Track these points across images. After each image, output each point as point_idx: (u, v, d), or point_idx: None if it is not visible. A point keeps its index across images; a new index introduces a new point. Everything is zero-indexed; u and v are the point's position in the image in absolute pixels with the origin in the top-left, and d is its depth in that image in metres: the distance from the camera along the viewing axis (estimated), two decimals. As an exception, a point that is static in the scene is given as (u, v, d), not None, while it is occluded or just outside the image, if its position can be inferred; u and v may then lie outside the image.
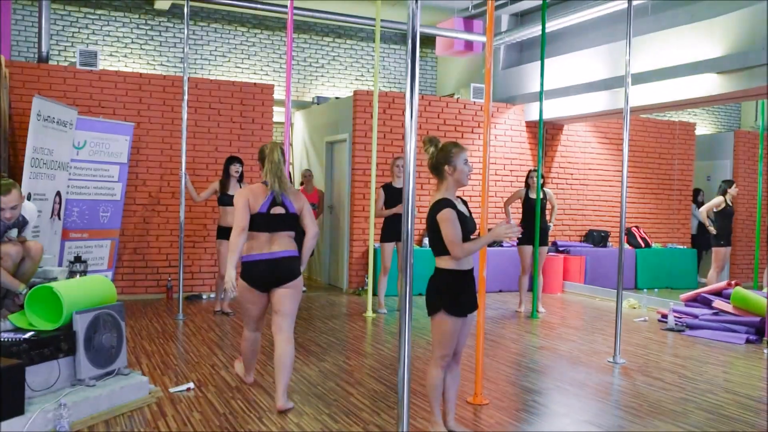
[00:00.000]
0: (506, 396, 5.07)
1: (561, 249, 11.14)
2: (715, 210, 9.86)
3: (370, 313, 8.09)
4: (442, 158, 3.94)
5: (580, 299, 9.97)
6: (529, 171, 8.64)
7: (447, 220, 3.79)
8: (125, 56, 11.33)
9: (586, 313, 8.82)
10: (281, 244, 4.52)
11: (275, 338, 4.57)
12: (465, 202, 4.10)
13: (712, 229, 9.76)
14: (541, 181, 8.41)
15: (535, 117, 10.78)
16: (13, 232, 4.70)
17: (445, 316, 3.85)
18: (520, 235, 3.76)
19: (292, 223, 4.60)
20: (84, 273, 6.75)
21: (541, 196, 8.37)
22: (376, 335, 7.19)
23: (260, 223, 4.48)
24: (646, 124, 12.43)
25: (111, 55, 11.22)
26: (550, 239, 10.15)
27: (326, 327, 7.42)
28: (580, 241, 11.71)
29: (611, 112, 9.91)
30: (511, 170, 11.12)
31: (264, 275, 4.49)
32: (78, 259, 6.99)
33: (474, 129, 10.83)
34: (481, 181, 4.98)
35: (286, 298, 4.53)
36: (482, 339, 4.94)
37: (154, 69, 11.40)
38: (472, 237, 3.92)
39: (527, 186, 8.60)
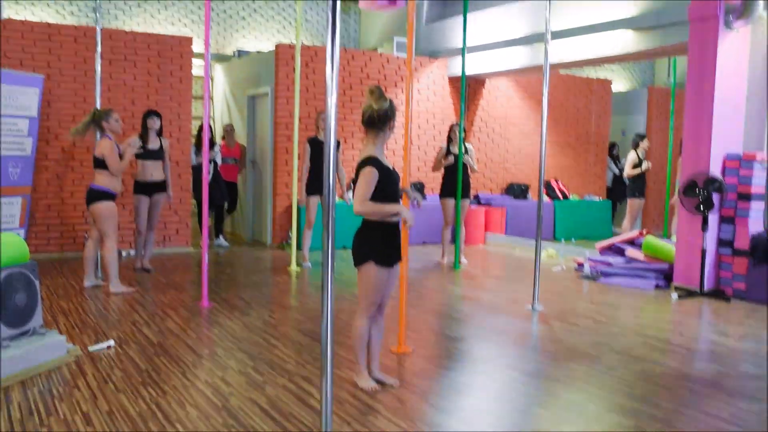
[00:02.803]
0: (429, 344, 5.19)
1: (482, 201, 11.36)
2: (627, 163, 10.29)
3: (294, 267, 8.08)
4: (391, 113, 3.95)
5: (501, 250, 10.22)
6: (452, 125, 8.71)
7: (365, 176, 3.84)
8: (32, 4, 10.73)
9: (506, 264, 9.07)
10: None
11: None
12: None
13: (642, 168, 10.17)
14: (463, 135, 8.49)
15: (458, 72, 10.84)
16: None
17: (373, 266, 3.90)
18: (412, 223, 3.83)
19: None
20: (-6, 231, 6.47)
21: (463, 150, 8.46)
22: (301, 289, 7.21)
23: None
24: (565, 80, 12.69)
25: (16, 2, 10.60)
26: (472, 192, 10.32)
27: (250, 281, 7.38)
28: (501, 194, 11.96)
29: (532, 68, 10.05)
30: (433, 124, 11.20)
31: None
32: (-13, 218, 6.69)
33: (397, 83, 10.81)
34: (404, 135, 5.00)
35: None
36: (406, 290, 5.02)
37: (64, 19, 10.85)
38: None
39: (449, 140, 8.66)
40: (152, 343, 5.01)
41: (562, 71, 12.20)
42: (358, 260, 3.96)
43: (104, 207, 6.54)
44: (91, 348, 4.83)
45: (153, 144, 7.64)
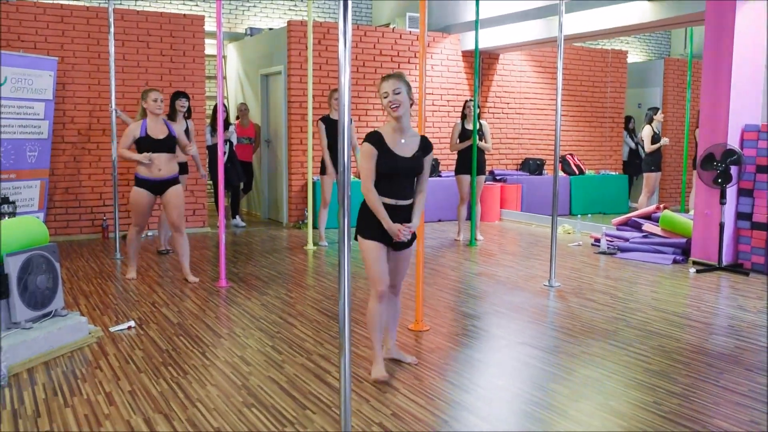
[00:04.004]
0: (446, 322, 5.20)
1: (498, 178, 11.32)
2: (644, 138, 10.21)
3: (310, 246, 8.12)
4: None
5: (516, 226, 10.20)
6: (466, 101, 8.65)
7: (362, 153, 3.80)
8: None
9: (522, 240, 9.05)
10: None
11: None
12: (424, 140, 3.91)
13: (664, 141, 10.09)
14: (478, 111, 8.44)
15: (471, 46, 10.76)
16: None
17: (362, 240, 3.89)
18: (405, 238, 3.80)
19: None
20: (13, 215, 6.54)
21: (478, 126, 8.42)
22: (318, 268, 7.24)
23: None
24: (579, 52, 12.55)
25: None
26: (487, 168, 10.28)
27: (267, 261, 7.42)
28: (517, 170, 11.91)
29: (546, 41, 9.95)
30: (448, 100, 11.14)
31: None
32: (5, 201, 6.76)
33: (410, 59, 10.74)
34: (417, 112, 4.97)
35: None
36: (422, 267, 5.03)
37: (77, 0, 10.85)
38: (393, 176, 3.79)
39: (463, 117, 8.61)
40: (172, 324, 5.07)
41: (576, 44, 12.07)
42: (356, 234, 3.94)
43: (132, 192, 6.31)
44: (112, 329, 4.89)
45: (182, 125, 7.51)
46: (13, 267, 4.24)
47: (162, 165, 6.20)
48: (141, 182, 6.21)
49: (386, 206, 3.80)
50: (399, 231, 3.79)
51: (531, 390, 3.81)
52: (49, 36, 8.53)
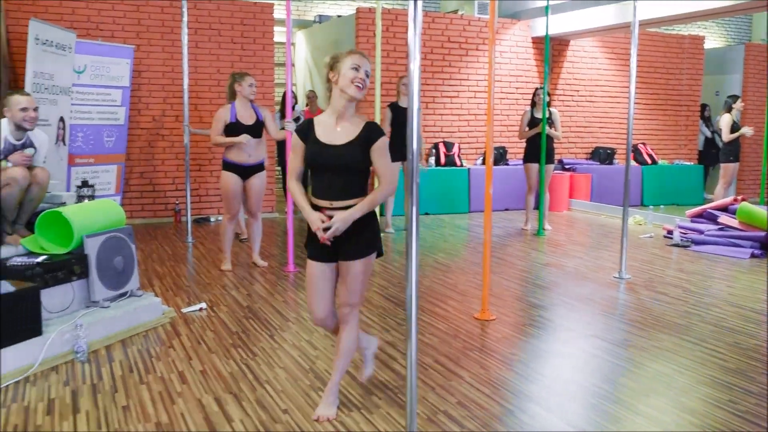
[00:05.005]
0: (513, 311, 5.16)
1: (567, 167, 11.12)
2: (722, 127, 9.83)
3: (377, 234, 8.14)
4: (329, 64, 3.19)
5: (586, 217, 10.01)
6: (535, 89, 8.51)
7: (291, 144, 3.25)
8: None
9: (592, 231, 8.88)
10: None
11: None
12: (368, 125, 3.15)
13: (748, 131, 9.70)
14: (547, 99, 8.30)
15: (541, 33, 10.58)
16: (30, 151, 4.67)
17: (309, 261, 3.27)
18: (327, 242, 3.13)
19: None
20: (92, 197, 6.78)
21: (547, 114, 8.27)
22: (384, 254, 7.24)
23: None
24: (654, 38, 12.17)
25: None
26: (556, 157, 10.11)
27: (334, 248, 7.47)
28: (587, 159, 11.67)
29: (619, 26, 9.69)
30: (516, 88, 10.98)
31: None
32: (85, 184, 7.01)
33: (479, 46, 10.63)
34: (486, 100, 4.92)
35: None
36: (489, 256, 4.99)
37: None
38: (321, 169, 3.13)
39: (533, 104, 8.47)
40: (241, 306, 5.18)
41: (650, 29, 11.71)
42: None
43: (221, 177, 6.20)
44: (185, 310, 5.03)
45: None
46: (92, 248, 4.41)
47: (251, 150, 6.17)
48: (230, 166, 6.10)
49: (320, 210, 3.14)
50: (319, 224, 3.09)
51: (599, 383, 3.75)
52: (125, 25, 8.78)
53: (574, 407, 3.45)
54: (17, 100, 4.56)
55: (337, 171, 3.11)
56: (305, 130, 3.17)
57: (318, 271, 3.22)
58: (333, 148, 3.10)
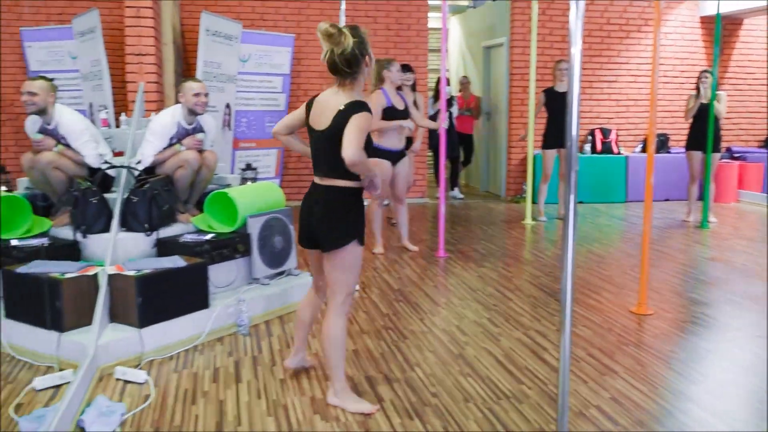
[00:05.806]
0: (672, 307, 4.90)
1: (736, 155, 10.37)
2: None
3: (529, 221, 8.02)
4: (362, 47, 3.12)
5: (757, 209, 9.30)
6: (701, 72, 7.98)
7: (365, 122, 3.07)
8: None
9: (763, 225, 8.23)
10: None
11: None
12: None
13: None
14: (715, 83, 7.75)
15: (711, 12, 9.92)
16: (200, 135, 4.99)
17: (357, 245, 3.33)
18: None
19: None
20: (254, 180, 7.14)
21: (715, 99, 7.73)
22: (536, 243, 7.14)
23: None
24: (844, 14, 11.04)
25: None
26: (723, 145, 9.44)
27: (485, 234, 7.45)
28: (759, 147, 10.81)
29: (803, 2, 8.89)
30: (681, 71, 10.36)
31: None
32: (249, 167, 7.40)
33: (641, 28, 10.11)
34: (648, 85, 4.68)
35: None
36: (648, 249, 4.76)
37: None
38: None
39: (698, 88, 7.95)
40: (392, 289, 5.28)
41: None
42: (344, 239, 3.20)
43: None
44: (338, 290, 5.19)
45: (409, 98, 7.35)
46: (254, 228, 4.65)
47: (402, 136, 6.23)
48: (383, 154, 6.00)
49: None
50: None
51: (766, 388, 3.49)
52: (287, 15, 9.14)
53: (740, 412, 3.23)
54: (191, 86, 4.87)
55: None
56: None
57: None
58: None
